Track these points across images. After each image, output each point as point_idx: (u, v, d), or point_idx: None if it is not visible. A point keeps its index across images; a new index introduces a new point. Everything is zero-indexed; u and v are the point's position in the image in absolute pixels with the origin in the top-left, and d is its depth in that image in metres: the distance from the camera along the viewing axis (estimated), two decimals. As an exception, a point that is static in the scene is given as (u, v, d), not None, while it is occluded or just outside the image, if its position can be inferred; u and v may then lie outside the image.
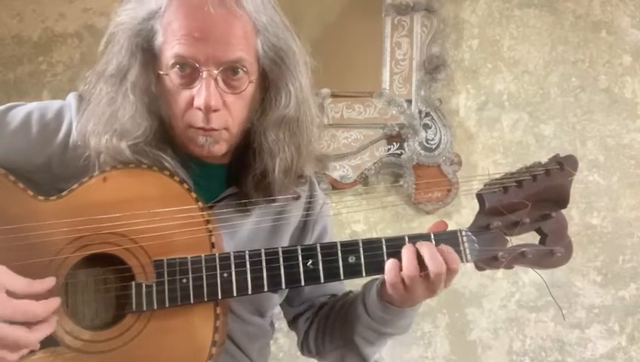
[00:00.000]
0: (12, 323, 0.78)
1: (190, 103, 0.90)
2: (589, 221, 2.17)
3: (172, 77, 0.90)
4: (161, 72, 0.91)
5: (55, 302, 0.82)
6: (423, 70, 2.16)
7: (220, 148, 0.94)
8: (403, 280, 0.88)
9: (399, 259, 0.88)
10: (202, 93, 0.88)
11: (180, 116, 0.91)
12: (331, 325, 1.08)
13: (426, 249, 0.88)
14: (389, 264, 0.88)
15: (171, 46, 0.88)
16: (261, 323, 1.07)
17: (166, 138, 0.96)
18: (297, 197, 1.05)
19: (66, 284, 0.87)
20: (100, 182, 0.90)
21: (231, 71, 0.90)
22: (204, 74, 0.88)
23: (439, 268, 0.87)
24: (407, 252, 0.88)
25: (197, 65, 0.88)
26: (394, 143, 2.17)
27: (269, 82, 0.96)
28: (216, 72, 0.88)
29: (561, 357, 2.16)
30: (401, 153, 2.16)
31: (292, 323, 1.16)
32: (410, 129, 2.15)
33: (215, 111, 0.89)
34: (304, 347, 1.16)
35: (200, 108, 0.88)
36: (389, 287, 0.90)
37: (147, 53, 0.92)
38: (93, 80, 0.95)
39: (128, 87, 0.91)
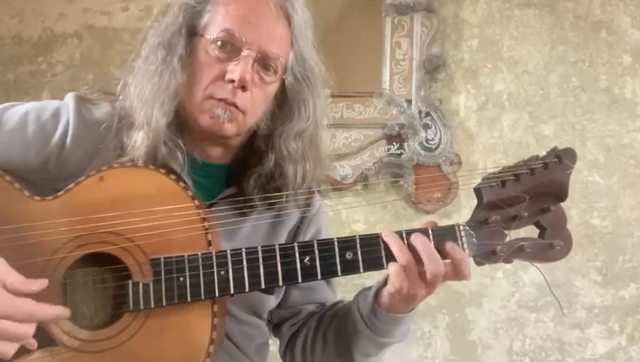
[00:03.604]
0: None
1: (220, 76, 0.94)
2: (589, 221, 2.17)
3: (211, 48, 0.94)
4: (208, 36, 0.94)
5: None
6: (423, 70, 2.16)
7: (231, 128, 0.95)
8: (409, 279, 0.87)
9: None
10: (239, 67, 0.92)
11: (204, 86, 0.94)
12: (322, 336, 1.06)
13: (421, 244, 0.87)
14: (393, 267, 0.87)
15: (223, 21, 0.94)
16: (258, 323, 1.07)
17: (178, 132, 0.97)
18: (297, 204, 1.05)
19: (64, 284, 0.87)
20: (96, 181, 0.90)
21: (264, 65, 0.95)
22: (245, 52, 0.93)
23: (437, 267, 0.86)
24: (396, 246, 0.87)
25: (243, 39, 0.93)
26: (394, 143, 2.17)
27: (287, 97, 1.00)
28: (256, 55, 0.93)
29: (561, 357, 2.16)
30: (401, 153, 2.16)
31: (276, 327, 1.14)
32: (410, 129, 2.14)
33: (244, 89, 0.93)
34: (287, 355, 1.13)
35: (233, 80, 0.92)
36: (394, 287, 0.89)
37: (190, 29, 0.96)
38: (146, 48, 0.98)
39: (175, 59, 0.94)
